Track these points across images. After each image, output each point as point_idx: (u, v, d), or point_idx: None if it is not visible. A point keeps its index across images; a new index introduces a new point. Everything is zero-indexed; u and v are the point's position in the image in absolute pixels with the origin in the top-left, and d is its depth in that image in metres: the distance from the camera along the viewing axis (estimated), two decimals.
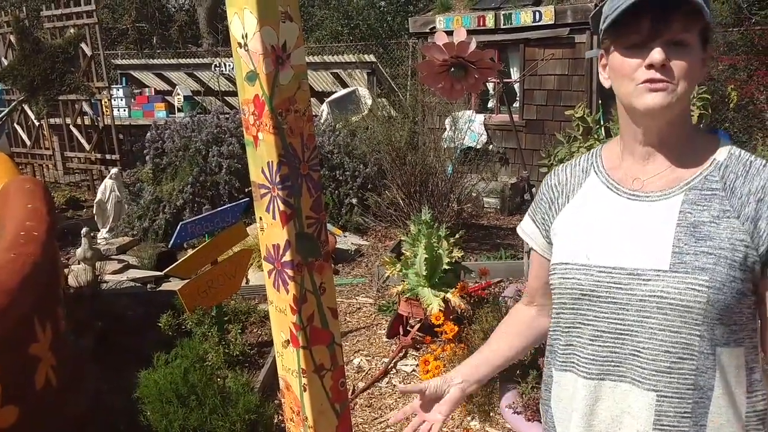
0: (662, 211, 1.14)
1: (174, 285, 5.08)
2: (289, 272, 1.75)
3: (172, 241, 3.39)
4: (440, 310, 3.24)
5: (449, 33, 3.10)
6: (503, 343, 1.46)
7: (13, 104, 7.99)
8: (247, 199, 3.87)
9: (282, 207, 1.73)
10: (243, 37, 1.76)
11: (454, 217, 5.37)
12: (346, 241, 5.90)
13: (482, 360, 1.45)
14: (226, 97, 11.92)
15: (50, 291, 3.09)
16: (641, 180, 1.19)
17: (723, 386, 1.11)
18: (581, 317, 1.18)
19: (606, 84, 1.22)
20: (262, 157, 1.78)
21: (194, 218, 3.47)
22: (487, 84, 7.98)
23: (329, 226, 6.07)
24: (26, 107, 8.65)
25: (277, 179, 1.73)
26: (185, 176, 6.29)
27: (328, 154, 6.48)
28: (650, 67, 1.10)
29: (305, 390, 1.78)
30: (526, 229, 1.39)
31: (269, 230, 1.80)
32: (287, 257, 1.75)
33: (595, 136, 5.12)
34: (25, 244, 3.02)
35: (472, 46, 2.98)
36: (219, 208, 3.62)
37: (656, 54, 1.10)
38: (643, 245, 1.13)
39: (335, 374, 1.84)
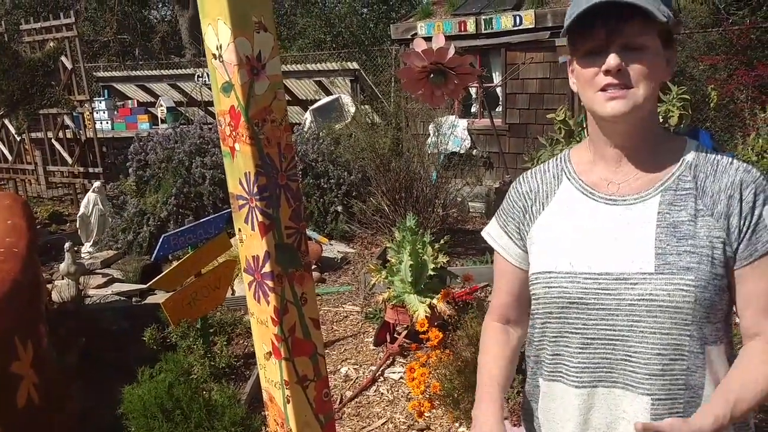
0: (641, 214, 1.14)
1: (159, 298, 5.04)
2: (270, 283, 1.74)
3: (154, 254, 3.36)
4: (426, 316, 3.24)
5: (431, 39, 3.10)
6: (506, 373, 1.36)
7: None
8: (229, 210, 3.84)
9: (260, 218, 1.72)
10: (217, 48, 1.75)
11: (439, 223, 5.38)
12: (333, 249, 5.89)
13: (500, 401, 1.35)
14: (209, 108, 11.88)
15: (31, 308, 3.05)
16: (616, 183, 1.19)
17: (712, 384, 1.12)
18: (569, 326, 1.17)
19: (574, 89, 1.23)
20: (239, 168, 1.77)
21: (177, 230, 3.44)
22: (470, 89, 8.02)
23: (315, 235, 6.06)
24: (6, 122, 8.57)
25: (255, 190, 1.72)
26: (169, 188, 6.25)
27: (312, 162, 6.47)
28: (608, 72, 1.11)
29: (288, 402, 1.76)
30: (498, 240, 1.35)
31: (248, 241, 1.79)
32: (267, 268, 1.74)
33: (578, 139, 5.15)
34: (5, 261, 2.99)
35: (451, 51, 2.98)
36: (201, 220, 3.60)
37: (611, 60, 1.11)
38: (625, 249, 1.13)
39: (319, 385, 1.83)
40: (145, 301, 4.99)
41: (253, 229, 1.77)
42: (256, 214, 1.74)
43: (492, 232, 1.37)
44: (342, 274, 5.39)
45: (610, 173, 1.20)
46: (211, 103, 12.00)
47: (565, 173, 1.26)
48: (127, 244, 6.16)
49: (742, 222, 1.10)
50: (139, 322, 4.28)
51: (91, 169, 8.51)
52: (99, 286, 5.26)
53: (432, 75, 3.08)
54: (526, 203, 1.29)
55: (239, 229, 1.83)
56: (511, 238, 1.32)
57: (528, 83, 7.60)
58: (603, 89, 1.13)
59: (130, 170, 6.66)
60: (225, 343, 3.61)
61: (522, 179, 1.33)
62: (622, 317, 1.12)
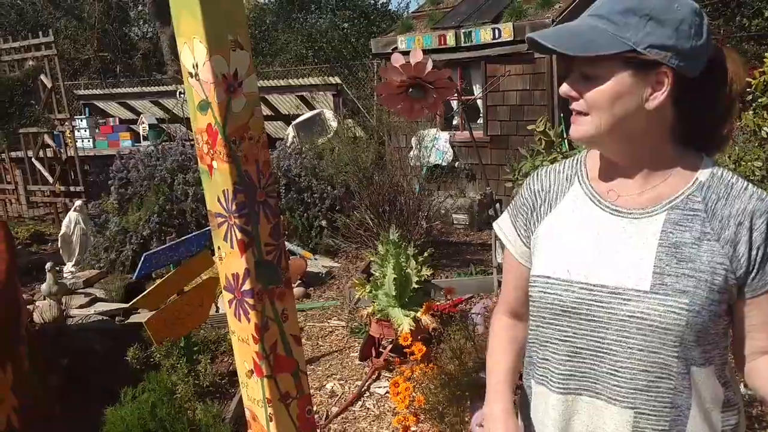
0: (644, 230, 1.13)
1: (143, 317, 4.98)
2: (250, 301, 1.74)
3: (136, 273, 3.34)
4: (411, 329, 3.23)
5: (405, 54, 3.13)
6: (514, 368, 1.36)
7: None
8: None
9: (239, 235, 1.72)
10: (194, 67, 1.76)
11: (423, 235, 5.38)
12: (317, 263, 5.88)
13: (510, 397, 1.33)
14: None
15: (10, 330, 3.01)
16: (618, 194, 1.18)
17: (698, 405, 1.12)
18: (559, 333, 1.17)
19: None
20: (217, 185, 1.77)
21: (159, 248, 3.42)
22: (451, 102, 8.07)
23: (299, 250, 6.04)
24: None
25: (234, 207, 1.72)
26: (151, 206, 6.22)
27: (295, 177, 6.47)
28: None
29: (271, 420, 1.76)
30: (506, 231, 1.34)
31: (228, 259, 1.79)
32: (247, 286, 1.74)
33: (558, 150, 5.20)
34: None
35: (429, 66, 3.00)
36: (183, 237, 3.58)
37: (561, 89, 1.15)
38: (624, 263, 1.12)
39: (301, 402, 1.82)
40: (129, 321, 4.94)
41: (232, 246, 1.76)
42: (235, 232, 1.74)
43: (503, 226, 1.36)
44: (327, 289, 5.38)
45: (614, 183, 1.19)
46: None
47: (578, 176, 1.25)
48: (109, 263, 6.11)
49: (754, 252, 1.08)
50: (122, 342, 4.24)
51: (72, 188, 8.45)
52: (81, 306, 5.20)
53: (411, 89, 3.10)
54: (536, 201, 1.28)
55: (218, 247, 1.82)
56: (518, 233, 1.31)
57: (508, 95, 7.67)
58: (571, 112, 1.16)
59: (112, 188, 6.62)
60: (209, 361, 3.58)
61: (536, 176, 1.31)
62: (612, 331, 1.11)
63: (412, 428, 2.97)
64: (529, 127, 5.44)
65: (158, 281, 5.37)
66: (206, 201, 1.83)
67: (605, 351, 1.13)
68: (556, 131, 5.30)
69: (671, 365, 1.09)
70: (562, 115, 7.02)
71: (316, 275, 5.60)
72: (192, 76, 1.75)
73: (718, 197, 1.12)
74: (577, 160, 1.29)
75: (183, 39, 1.74)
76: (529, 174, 5.28)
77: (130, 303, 3.49)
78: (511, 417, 1.24)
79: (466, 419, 2.34)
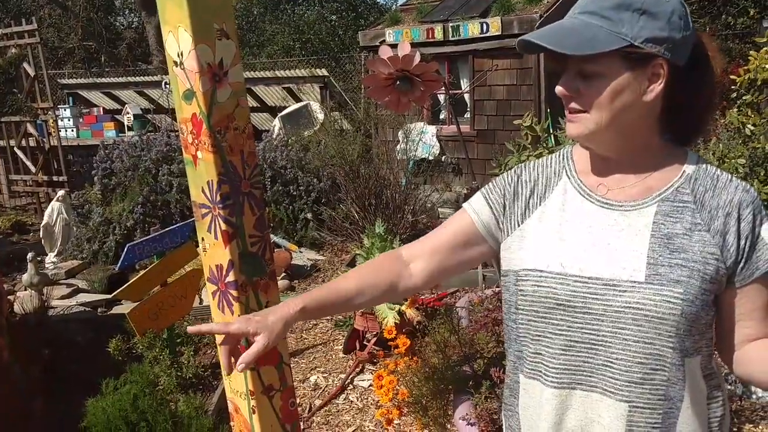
0: (636, 222, 1.14)
1: (126, 308, 4.94)
2: (234, 293, 1.73)
3: (119, 264, 3.30)
4: (396, 323, 3.23)
5: (393, 47, 3.11)
6: (350, 281, 1.34)
7: None
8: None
9: (224, 226, 1.71)
10: (178, 56, 1.74)
11: (409, 229, 5.38)
12: (302, 256, 5.86)
13: (322, 290, 1.33)
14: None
15: None
16: (608, 188, 1.18)
17: (690, 396, 1.13)
18: (553, 326, 1.17)
19: None
20: (201, 176, 1.75)
21: (142, 239, 3.39)
22: (439, 96, 8.06)
23: (284, 242, 6.02)
24: None
25: (218, 198, 1.71)
26: (135, 196, 6.16)
27: (281, 169, 6.44)
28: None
29: (254, 412, 1.75)
30: (474, 204, 1.32)
31: (212, 251, 1.78)
32: (231, 277, 1.73)
33: (544, 145, 5.21)
34: None
35: (417, 59, 2.98)
36: (167, 228, 3.55)
37: (557, 88, 1.15)
38: (618, 255, 1.13)
39: (284, 394, 1.82)
40: (111, 312, 4.90)
41: (216, 237, 1.75)
42: (219, 223, 1.73)
43: (471, 200, 1.34)
44: (312, 282, 5.36)
45: (604, 177, 1.20)
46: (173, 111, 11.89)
47: (566, 170, 1.25)
48: (92, 254, 6.05)
49: (742, 241, 1.11)
50: (104, 333, 4.20)
51: (55, 178, 8.36)
52: (63, 297, 5.16)
53: (398, 82, 3.09)
54: (521, 190, 1.27)
55: (202, 238, 1.81)
56: (489, 205, 1.29)
57: (495, 90, 7.67)
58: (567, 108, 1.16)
59: (96, 178, 6.55)
60: (192, 353, 3.56)
61: (524, 167, 1.30)
62: (607, 323, 1.12)
63: (396, 421, 2.97)
64: (516, 122, 5.45)
65: (141, 272, 5.33)
66: (190, 191, 1.81)
67: (600, 343, 1.13)
68: (543, 126, 5.31)
69: (666, 356, 1.10)
70: (548, 110, 7.03)
71: (301, 268, 5.58)
72: (177, 65, 1.73)
73: (705, 189, 1.14)
74: (563, 155, 1.29)
75: (168, 27, 1.72)
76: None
77: (113, 294, 3.46)
78: (280, 323, 1.22)
79: (450, 412, 2.35)
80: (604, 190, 1.19)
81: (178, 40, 1.72)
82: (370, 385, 3.39)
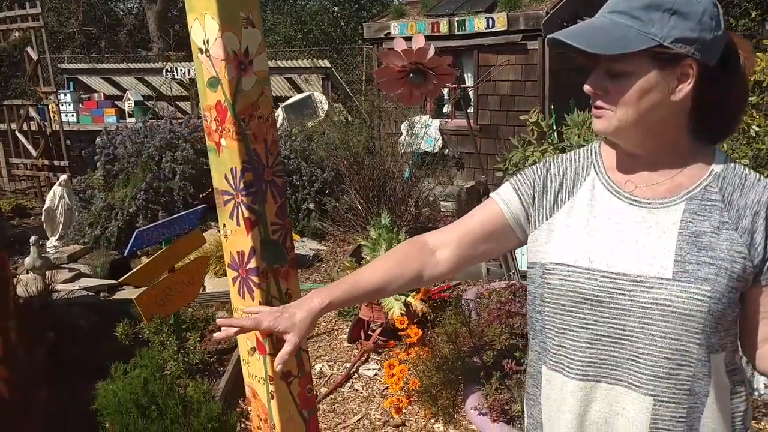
0: (664, 219, 1.16)
1: (129, 293, 4.97)
2: (255, 279, 1.74)
3: (127, 250, 3.32)
4: (401, 313, 3.25)
5: (405, 39, 3.12)
6: (377, 271, 1.38)
7: None
8: (204, 205, 3.83)
9: (246, 213, 1.73)
10: (204, 43, 1.75)
11: (411, 221, 5.40)
12: (304, 246, 5.87)
13: (346, 284, 1.37)
14: (178, 102, 11.73)
15: (1, 303, 2.99)
16: (636, 185, 1.20)
17: (715, 392, 1.15)
18: (579, 320, 1.18)
19: None
20: (225, 163, 1.77)
21: (150, 225, 3.41)
22: (443, 90, 8.06)
23: None
24: None
25: (241, 185, 1.73)
26: (138, 182, 6.17)
27: (284, 159, 6.43)
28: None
29: (272, 397, 1.77)
30: (503, 194, 1.34)
31: (233, 237, 1.79)
32: (252, 264, 1.74)
33: (549, 141, 5.24)
34: None
35: (431, 52, 3.01)
36: (175, 215, 3.56)
37: (585, 87, 1.17)
38: (645, 252, 1.14)
39: (302, 381, 1.84)
40: (114, 297, 4.91)
41: (238, 224, 1.77)
42: (242, 210, 1.74)
43: (500, 191, 1.36)
44: (314, 272, 5.38)
45: (631, 174, 1.21)
46: (180, 98, 11.85)
47: (594, 166, 1.27)
48: (94, 239, 6.06)
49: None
50: (108, 318, 4.21)
51: (56, 162, 8.34)
52: (66, 281, 5.17)
53: (411, 75, 3.10)
54: (551, 184, 1.28)
55: (224, 225, 1.82)
56: (519, 197, 1.31)
57: (500, 85, 7.68)
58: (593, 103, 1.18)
59: (98, 164, 6.55)
60: (198, 339, 3.58)
61: (553, 161, 1.32)
62: (634, 318, 1.13)
63: (403, 410, 3.00)
64: (522, 118, 5.48)
65: (145, 258, 5.34)
66: (213, 178, 1.83)
67: (627, 338, 1.15)
68: (548, 123, 5.34)
69: (692, 352, 1.12)
70: (552, 107, 7.06)
71: (304, 258, 5.60)
72: (202, 52, 1.74)
73: (733, 188, 1.16)
74: (591, 150, 1.31)
75: (194, 14, 1.73)
76: (519, 164, 5.31)
77: (120, 279, 3.47)
78: (307, 320, 1.30)
79: (459, 402, 2.38)
80: (632, 187, 1.21)
81: (204, 27, 1.72)
82: (375, 374, 3.42)
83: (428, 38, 7.74)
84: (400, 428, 2.95)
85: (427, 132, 6.54)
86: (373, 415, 3.06)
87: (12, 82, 7.17)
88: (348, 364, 3.61)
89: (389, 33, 8.34)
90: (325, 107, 8.50)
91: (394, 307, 3.43)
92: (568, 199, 1.26)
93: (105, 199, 6.25)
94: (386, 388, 3.33)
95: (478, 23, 7.64)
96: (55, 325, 3.98)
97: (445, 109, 8.41)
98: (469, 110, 8.04)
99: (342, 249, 5.89)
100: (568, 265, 1.19)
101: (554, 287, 1.21)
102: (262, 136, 1.78)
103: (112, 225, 6.05)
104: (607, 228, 1.19)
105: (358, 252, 4.99)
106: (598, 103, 1.17)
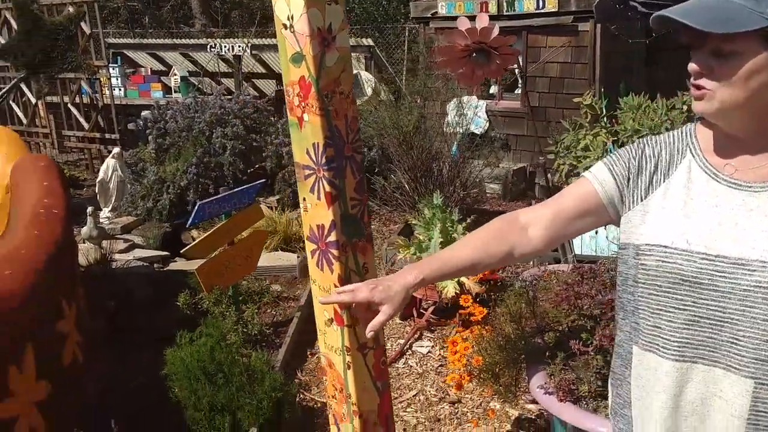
0: (765, 202, 1.15)
1: (180, 265, 5.09)
2: (334, 252, 1.78)
3: (189, 221, 3.39)
4: (456, 293, 3.29)
5: (451, 19, 3.12)
6: (469, 247, 1.41)
7: (13, 82, 7.91)
8: (264, 180, 3.90)
9: (327, 188, 1.76)
10: (288, 19, 1.78)
11: (459, 202, 5.40)
12: None
13: (438, 261, 1.41)
14: (222, 79, 11.83)
15: (71, 269, 3.10)
16: (735, 168, 1.20)
17: None
18: (677, 302, 1.19)
19: None
20: (307, 138, 1.80)
21: (211, 199, 3.48)
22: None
23: None
24: (22, 85, 8.57)
25: (323, 160, 1.76)
26: (189, 157, 6.27)
27: None
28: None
29: (349, 368, 1.81)
30: (597, 174, 1.34)
31: (313, 210, 1.83)
32: (332, 237, 1.78)
33: (602, 124, 5.18)
34: (46, 222, 3.03)
35: (495, 31, 3.00)
36: (235, 189, 3.63)
37: (690, 66, 1.16)
38: (745, 235, 1.14)
39: (377, 353, 1.88)
40: (167, 268, 5.03)
41: (319, 198, 1.80)
42: (323, 184, 1.78)
43: (594, 170, 1.37)
44: None
45: (730, 158, 1.21)
46: (225, 75, 11.94)
47: (690, 149, 1.27)
48: (146, 211, 6.20)
49: None
50: (163, 288, 4.34)
51: (107, 135, 8.53)
52: (121, 252, 5.30)
53: (474, 54, 3.10)
54: (646, 165, 1.29)
55: (304, 198, 1.86)
56: (614, 177, 1.32)
57: (549, 67, 7.58)
58: (693, 84, 1.18)
59: (150, 138, 6.67)
60: (256, 311, 3.66)
61: (647, 142, 1.32)
62: (735, 301, 1.14)
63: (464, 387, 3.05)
64: (575, 100, 5.42)
65: (195, 231, 5.45)
66: (294, 152, 1.87)
67: (726, 320, 1.15)
68: (601, 105, 5.27)
69: None
70: (602, 89, 6.95)
71: None
72: (286, 28, 1.77)
73: None
74: (686, 132, 1.30)
75: None
76: (571, 147, 5.24)
77: (182, 251, 3.56)
78: (402, 293, 1.37)
79: (521, 382, 2.41)
80: (731, 170, 1.20)
81: (288, 3, 1.75)
82: (428, 352, 3.47)
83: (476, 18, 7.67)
84: (456, 405, 2.99)
85: (477, 113, 6.50)
86: (429, 391, 3.11)
87: (68, 55, 7.32)
88: (401, 341, 3.66)
89: (436, 12, 8.27)
90: (372, 86, 8.50)
91: (449, 287, 3.46)
92: (663, 181, 1.26)
93: (156, 173, 6.37)
94: (440, 365, 3.38)
95: (528, 4, 7.53)
96: (114, 294, 4.11)
97: (492, 90, 8.33)
98: (516, 91, 7.96)
99: (388, 228, 5.93)
100: (665, 247, 1.20)
101: (649, 268, 1.22)
102: (343, 112, 1.81)
103: (163, 198, 6.18)
104: (705, 210, 1.19)
105: (406, 231, 5.02)
106: (701, 82, 1.16)
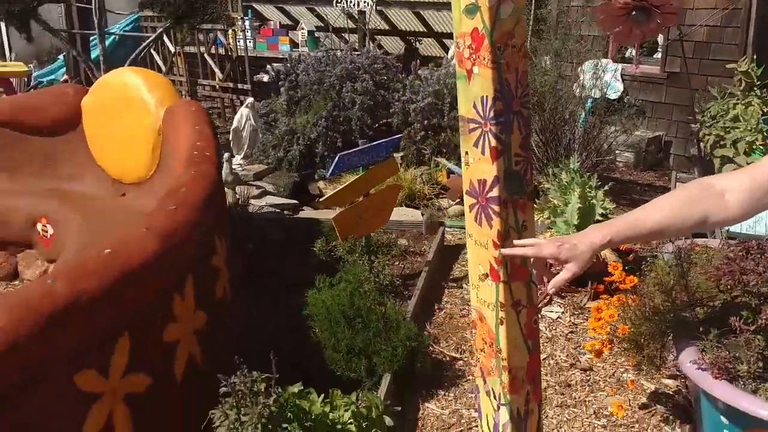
0: None
1: (308, 214, 5.28)
2: (495, 208, 1.78)
3: (330, 171, 3.49)
4: (596, 261, 3.20)
5: None
6: (662, 210, 1.37)
7: (159, 31, 8.36)
8: (400, 135, 3.93)
9: (493, 143, 1.75)
10: None
11: (590, 169, 5.22)
12: None
13: (625, 223, 1.39)
14: (347, 35, 11.93)
15: (222, 209, 3.28)
16: None
17: None
18: None
19: None
20: (474, 91, 1.78)
21: (351, 150, 3.55)
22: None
23: (458, 169, 6.06)
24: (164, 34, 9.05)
25: (491, 114, 1.74)
26: (319, 110, 6.42)
27: None
28: None
29: (502, 323, 1.82)
30: None
31: (476, 165, 1.83)
32: (494, 193, 1.77)
33: (756, 92, 4.80)
34: (201, 163, 3.20)
35: None
36: (374, 143, 3.69)
37: None
38: None
39: (530, 312, 1.87)
40: (297, 216, 5.22)
41: (483, 153, 1.79)
42: (488, 139, 1.76)
43: None
44: None
45: None
46: (350, 31, 12.04)
47: None
48: (277, 160, 6.43)
49: None
50: (294, 235, 4.51)
51: (239, 86, 8.87)
52: (253, 198, 5.55)
53: (634, 12, 2.95)
54: None
55: (466, 152, 1.86)
56: None
57: (694, 30, 7.09)
58: None
59: (282, 90, 6.88)
60: (387, 262, 3.75)
61: None
62: None
63: (587, 356, 3.00)
64: (729, 66, 5.05)
65: (321, 183, 5.60)
66: (459, 106, 1.86)
67: None
68: (757, 72, 4.89)
69: None
70: (755, 56, 6.42)
71: None
72: None
73: None
74: None
75: None
76: (717, 116, 4.91)
77: (321, 200, 3.68)
78: (588, 253, 1.38)
79: (665, 354, 2.34)
80: None
81: None
82: (558, 317, 3.43)
83: None
84: (588, 372, 2.95)
85: (614, 76, 6.21)
86: (559, 356, 3.09)
87: (209, 7, 7.64)
88: None
89: None
90: None
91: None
92: None
93: (287, 124, 6.58)
94: (570, 332, 3.33)
95: None
96: (250, 237, 4.31)
97: (628, 54, 7.92)
98: (655, 56, 7.52)
99: None
100: None
101: None
102: (514, 66, 1.77)
103: (293, 149, 6.38)
104: None
105: (536, 194, 4.92)
106: None
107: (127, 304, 2.07)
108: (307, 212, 5.33)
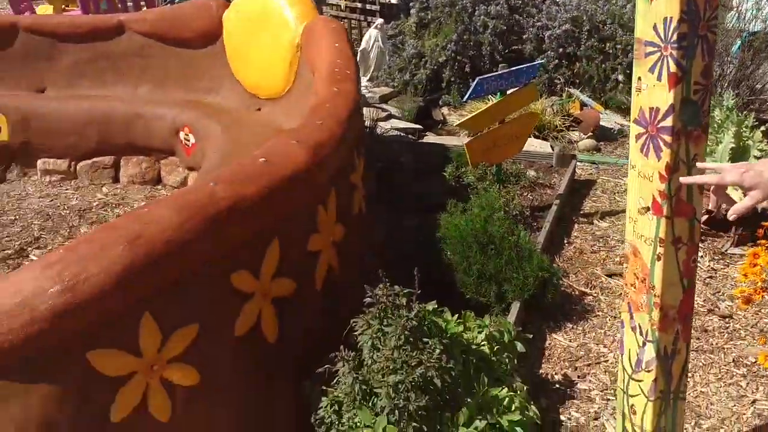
0: None
1: (432, 139, 5.25)
2: (666, 138, 1.68)
3: (467, 95, 3.42)
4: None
5: None
6: None
7: None
8: (541, 61, 3.77)
9: (673, 68, 1.63)
10: None
11: (741, 108, 4.83)
12: (608, 119, 5.61)
13: None
14: None
15: (360, 126, 3.31)
16: None
17: None
18: None
19: None
20: (657, 12, 1.66)
21: (490, 75, 3.46)
22: None
23: (590, 101, 5.79)
24: None
25: (673, 38, 1.62)
26: (449, 33, 6.27)
27: (599, 24, 6.06)
28: None
29: (659, 259, 1.75)
30: None
31: (649, 92, 1.72)
32: (667, 122, 1.67)
33: None
34: (342, 81, 3.23)
35: None
36: (515, 68, 3.57)
37: None
38: None
39: (690, 249, 1.79)
40: (423, 141, 5.20)
41: (659, 79, 1.68)
42: (668, 64, 1.65)
43: None
44: (618, 146, 5.16)
45: None
46: None
47: None
48: (402, 84, 6.39)
49: None
50: (421, 160, 4.51)
51: (368, 6, 8.79)
52: (379, 120, 5.58)
53: None
54: None
55: (639, 78, 1.75)
56: None
57: None
58: None
59: (412, 11, 6.75)
60: (516, 192, 3.69)
61: None
62: None
63: (728, 303, 2.86)
64: None
65: (445, 109, 5.52)
66: (636, 28, 1.75)
67: None
68: None
69: None
70: None
71: (608, 130, 5.37)
72: None
73: None
74: None
75: None
76: None
77: (457, 123, 3.63)
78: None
79: None
80: None
81: None
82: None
83: None
84: (727, 320, 2.82)
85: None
86: (696, 300, 2.96)
87: None
88: None
89: None
90: None
91: (733, 196, 3.17)
92: None
93: (415, 47, 6.48)
94: (709, 277, 3.18)
95: None
96: (379, 158, 4.36)
97: None
98: None
99: None
100: None
101: None
102: None
103: (420, 73, 6.31)
104: None
105: None
106: None
107: (278, 211, 2.16)
108: (430, 137, 5.30)
